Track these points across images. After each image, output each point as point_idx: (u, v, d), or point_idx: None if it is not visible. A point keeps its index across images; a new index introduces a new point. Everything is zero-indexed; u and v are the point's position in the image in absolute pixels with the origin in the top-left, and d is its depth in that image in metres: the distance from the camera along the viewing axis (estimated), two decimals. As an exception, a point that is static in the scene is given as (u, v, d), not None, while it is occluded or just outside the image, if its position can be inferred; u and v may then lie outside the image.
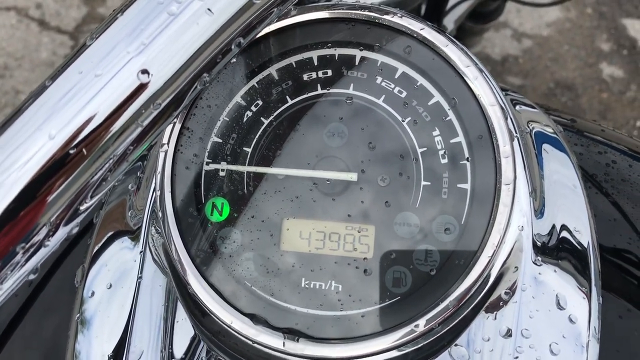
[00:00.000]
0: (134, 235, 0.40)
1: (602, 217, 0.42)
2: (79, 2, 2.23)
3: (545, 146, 0.41)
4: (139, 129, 0.28)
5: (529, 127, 0.42)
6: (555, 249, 0.37)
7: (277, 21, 0.39)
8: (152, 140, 0.30)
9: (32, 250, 0.26)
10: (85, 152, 0.27)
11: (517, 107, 0.43)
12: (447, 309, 0.34)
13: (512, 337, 0.35)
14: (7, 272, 0.26)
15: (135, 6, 0.27)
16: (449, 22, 0.99)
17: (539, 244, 0.37)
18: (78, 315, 0.39)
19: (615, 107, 2.10)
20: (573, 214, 0.39)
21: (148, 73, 0.27)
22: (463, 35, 1.30)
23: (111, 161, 0.28)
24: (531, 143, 0.41)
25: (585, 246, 0.38)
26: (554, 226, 0.38)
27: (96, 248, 0.40)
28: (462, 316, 0.35)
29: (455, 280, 0.35)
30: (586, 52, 2.23)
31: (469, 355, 0.35)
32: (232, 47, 0.31)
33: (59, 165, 0.26)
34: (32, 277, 0.28)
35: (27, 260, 0.26)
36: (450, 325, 0.35)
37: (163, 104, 0.29)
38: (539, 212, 0.38)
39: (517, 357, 0.35)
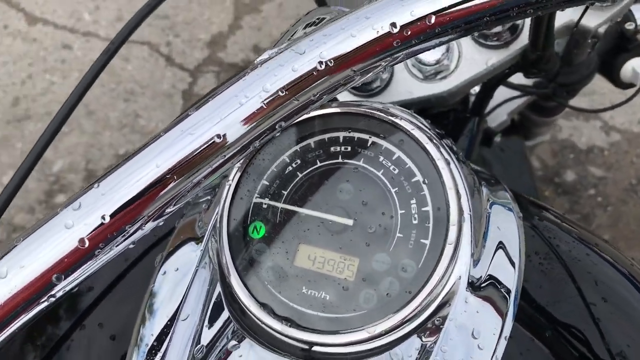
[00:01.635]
0: (199, 240, 0.59)
1: (531, 281, 0.57)
2: (203, 45, 2.53)
3: (499, 221, 0.57)
4: (209, 169, 0.47)
5: (488, 203, 0.58)
6: (483, 294, 0.52)
7: (320, 109, 0.57)
8: (217, 177, 0.48)
9: (135, 228, 0.45)
10: (175, 178, 0.46)
11: (485, 188, 0.59)
12: (395, 322, 0.50)
13: (434, 352, 0.50)
14: (120, 240, 0.45)
15: (220, 97, 0.46)
16: (502, 114, 1.13)
17: (472, 287, 0.52)
18: (152, 285, 0.57)
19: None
20: (504, 272, 0.54)
21: (221, 136, 0.46)
22: (529, 124, 1.43)
23: (190, 185, 0.47)
24: (485, 217, 0.56)
25: (507, 295, 0.53)
26: (487, 276, 0.53)
27: (172, 244, 0.59)
28: (404, 330, 0.51)
29: (403, 305, 0.51)
30: (674, 154, 2.27)
31: (402, 356, 0.50)
32: (277, 127, 0.49)
33: (159, 184, 0.45)
34: (131, 246, 0.46)
35: (131, 235, 0.45)
36: (395, 335, 0.51)
37: (227, 156, 0.47)
38: (477, 263, 0.53)
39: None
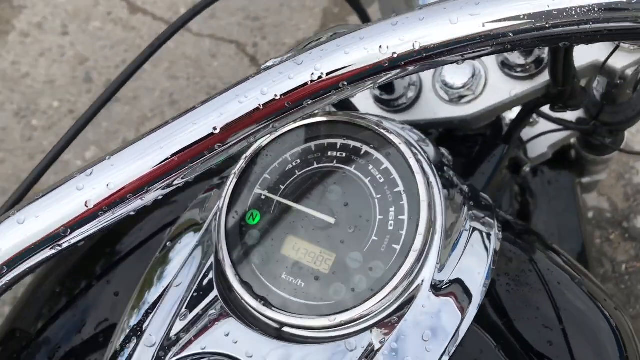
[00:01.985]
0: (204, 219, 0.66)
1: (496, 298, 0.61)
2: (287, 49, 2.64)
3: (473, 238, 0.61)
4: (205, 157, 0.54)
5: (467, 221, 0.62)
6: (444, 300, 0.57)
7: (325, 117, 0.64)
8: (212, 165, 0.55)
9: (135, 198, 0.52)
10: (176, 160, 0.53)
11: (467, 207, 0.63)
12: (354, 315, 0.56)
13: (384, 347, 0.55)
14: (121, 206, 0.53)
15: (224, 96, 0.53)
16: (542, 146, 1.14)
17: (434, 291, 0.57)
18: (158, 255, 0.65)
19: None
20: (467, 281, 0.58)
21: (217, 129, 0.53)
22: (582, 160, 1.42)
23: (187, 169, 0.54)
24: (458, 232, 0.60)
25: (465, 306, 0.57)
26: (449, 281, 0.57)
27: (180, 222, 0.67)
28: (363, 324, 0.56)
29: (364, 301, 0.56)
30: None
31: (356, 345, 0.55)
32: (270, 127, 0.55)
33: (161, 163, 0.53)
34: (131, 213, 0.54)
35: (131, 203, 0.53)
36: (354, 327, 0.56)
37: (222, 147, 0.54)
38: (442, 269, 0.58)
39: (384, 355, 0.55)
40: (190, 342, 0.58)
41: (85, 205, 0.52)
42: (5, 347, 0.73)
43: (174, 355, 0.57)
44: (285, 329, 0.58)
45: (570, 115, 1.10)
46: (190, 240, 0.65)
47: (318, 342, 0.57)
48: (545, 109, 0.90)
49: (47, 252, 0.52)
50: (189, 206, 0.69)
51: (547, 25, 0.49)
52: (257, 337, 0.57)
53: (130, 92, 2.53)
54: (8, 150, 2.41)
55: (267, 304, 0.58)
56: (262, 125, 0.55)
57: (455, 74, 0.84)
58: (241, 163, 0.64)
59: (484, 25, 0.51)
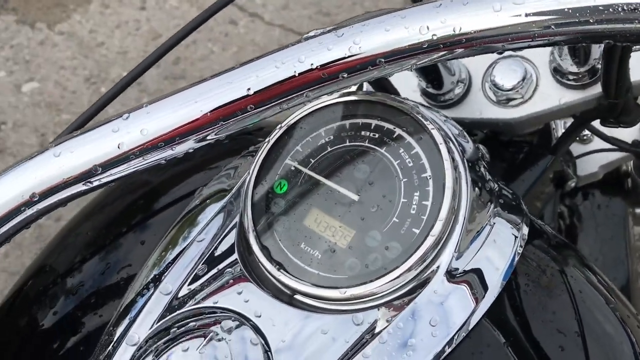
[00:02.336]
0: (231, 187, 0.68)
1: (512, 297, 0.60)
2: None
3: (497, 234, 0.60)
4: (237, 117, 0.55)
5: (494, 217, 0.61)
6: (458, 288, 0.57)
7: (360, 96, 0.64)
8: (249, 124, 0.57)
9: (165, 147, 0.54)
10: (209, 115, 0.55)
11: (496, 204, 0.62)
12: (364, 291, 0.56)
13: (390, 325, 0.55)
14: (153, 153, 0.55)
15: (263, 60, 0.55)
16: (593, 165, 1.11)
17: (449, 277, 0.57)
18: (185, 213, 0.67)
19: None
20: (485, 274, 0.58)
21: (251, 90, 0.54)
22: (638, 189, 1.36)
23: (218, 128, 0.55)
24: (482, 224, 0.60)
25: (478, 297, 0.57)
26: (466, 270, 0.57)
27: (210, 184, 0.69)
28: (372, 301, 0.56)
29: (378, 277, 0.56)
30: None
31: (362, 320, 0.56)
32: (304, 96, 0.56)
33: (193, 119, 0.54)
34: (162, 162, 0.56)
35: (162, 152, 0.55)
36: (364, 303, 0.57)
37: (255, 111, 0.55)
38: (459, 257, 0.57)
39: (389, 333, 0.55)
40: (203, 295, 0.60)
41: (118, 148, 0.54)
42: (35, 282, 0.77)
43: (187, 306, 0.59)
44: (297, 296, 0.59)
45: (627, 136, 1.06)
46: (218, 202, 0.66)
47: (327, 312, 0.58)
48: (602, 127, 0.87)
49: (78, 188, 0.55)
50: (222, 170, 0.71)
51: (592, 21, 0.48)
52: (268, 299, 0.58)
53: (196, 72, 2.59)
54: (76, 112, 2.50)
55: (282, 269, 0.60)
56: (296, 93, 0.56)
57: (506, 75, 0.83)
58: (275, 132, 0.66)
59: (526, 16, 0.50)
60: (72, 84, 2.55)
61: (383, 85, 0.81)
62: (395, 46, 0.54)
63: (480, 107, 0.85)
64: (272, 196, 0.63)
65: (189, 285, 0.61)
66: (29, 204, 0.54)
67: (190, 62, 2.62)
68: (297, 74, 0.55)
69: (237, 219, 0.64)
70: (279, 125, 0.66)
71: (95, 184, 0.55)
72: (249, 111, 0.55)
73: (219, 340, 0.55)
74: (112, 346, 0.59)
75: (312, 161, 0.64)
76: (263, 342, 0.56)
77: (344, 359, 0.55)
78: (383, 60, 0.55)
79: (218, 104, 0.55)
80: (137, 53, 2.63)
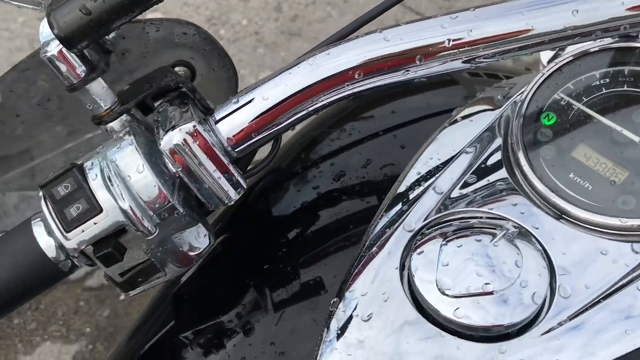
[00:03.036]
0: (498, 106, 0.70)
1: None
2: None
3: None
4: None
5: None
6: None
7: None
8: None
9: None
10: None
11: None
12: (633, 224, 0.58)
13: None
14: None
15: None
16: None
17: None
18: (447, 124, 0.70)
19: None
20: None
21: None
22: None
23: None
24: None
25: None
26: None
27: (474, 100, 0.73)
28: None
29: None
30: None
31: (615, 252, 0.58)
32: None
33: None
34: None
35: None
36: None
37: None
38: None
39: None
40: (477, 201, 0.62)
41: (447, 43, 0.57)
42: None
43: (460, 206, 0.62)
44: (563, 219, 0.61)
45: None
46: (483, 117, 0.69)
47: (605, 237, 0.59)
48: None
49: (398, 77, 0.58)
50: (485, 90, 0.74)
51: None
52: (545, 216, 0.60)
53: (312, 32, 2.62)
54: (190, 50, 2.55)
55: (557, 194, 0.61)
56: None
57: None
58: (551, 65, 0.68)
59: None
60: (193, 21, 2.60)
61: None
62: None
63: None
64: (539, 126, 0.65)
65: (460, 189, 0.64)
66: (351, 81, 0.58)
67: (308, 21, 2.65)
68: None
69: (501, 139, 0.67)
70: (555, 60, 0.68)
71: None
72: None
73: (510, 237, 0.58)
74: (387, 230, 0.62)
75: (585, 99, 0.66)
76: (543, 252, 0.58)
77: (623, 281, 0.57)
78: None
79: (545, 21, 0.57)
80: (259, 3, 2.67)
